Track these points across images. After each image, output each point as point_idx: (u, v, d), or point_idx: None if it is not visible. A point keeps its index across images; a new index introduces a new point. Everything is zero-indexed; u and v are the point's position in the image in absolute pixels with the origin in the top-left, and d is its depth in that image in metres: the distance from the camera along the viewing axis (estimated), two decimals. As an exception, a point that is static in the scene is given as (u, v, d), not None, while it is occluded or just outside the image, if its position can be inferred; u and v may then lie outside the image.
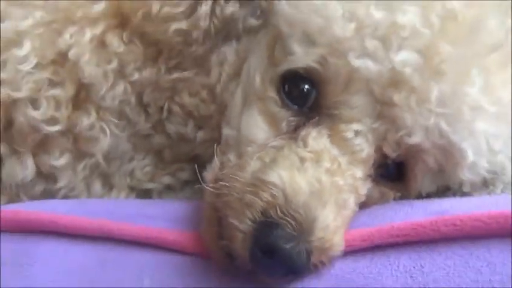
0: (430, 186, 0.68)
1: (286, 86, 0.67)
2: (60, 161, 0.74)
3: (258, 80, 0.69)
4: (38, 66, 0.72)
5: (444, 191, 0.69)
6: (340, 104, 0.63)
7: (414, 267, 0.57)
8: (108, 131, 0.74)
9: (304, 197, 0.58)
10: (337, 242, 0.59)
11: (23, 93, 0.72)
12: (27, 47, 0.72)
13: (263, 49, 0.70)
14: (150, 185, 0.79)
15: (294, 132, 0.65)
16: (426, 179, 0.67)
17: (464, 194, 0.68)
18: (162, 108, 0.75)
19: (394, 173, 0.67)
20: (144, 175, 0.78)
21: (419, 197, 0.68)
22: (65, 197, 0.76)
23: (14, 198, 0.75)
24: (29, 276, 0.62)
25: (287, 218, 0.57)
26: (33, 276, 0.62)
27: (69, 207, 0.68)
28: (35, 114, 0.72)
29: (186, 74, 0.74)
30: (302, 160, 0.61)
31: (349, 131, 0.63)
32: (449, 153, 0.64)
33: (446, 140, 0.63)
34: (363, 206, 0.65)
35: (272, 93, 0.67)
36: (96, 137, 0.74)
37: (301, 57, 0.65)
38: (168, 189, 0.79)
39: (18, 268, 0.62)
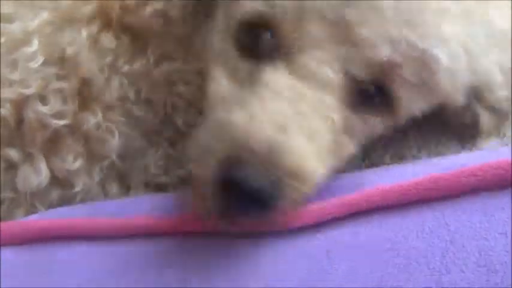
0: (418, 104, 0.66)
1: (242, 37, 0.66)
2: (74, 164, 0.74)
3: (218, 40, 0.68)
4: (45, 63, 0.73)
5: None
6: (297, 39, 0.62)
7: (440, 227, 0.56)
8: (116, 132, 0.74)
9: (266, 128, 0.57)
10: (313, 168, 0.59)
11: (32, 89, 0.72)
12: (35, 44, 0.73)
13: (220, 10, 0.69)
14: (164, 179, 0.78)
15: (253, 79, 0.64)
16: (411, 96, 0.65)
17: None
18: (165, 103, 0.75)
19: (377, 100, 0.65)
20: (158, 169, 0.78)
21: (415, 122, 0.67)
22: (82, 200, 0.75)
23: (30, 209, 0.74)
24: (54, 283, 0.61)
25: (251, 153, 0.56)
26: (57, 283, 0.61)
27: (83, 212, 0.68)
28: (44, 109, 0.72)
29: (176, 64, 0.74)
30: (262, 98, 0.60)
31: (310, 61, 0.61)
32: (422, 63, 0.62)
33: (415, 49, 0.61)
34: (351, 137, 0.64)
35: (230, 48, 0.66)
36: (104, 137, 0.74)
37: (248, 5, 0.64)
38: (183, 183, 0.79)
39: (40, 278, 0.62)
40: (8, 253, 0.63)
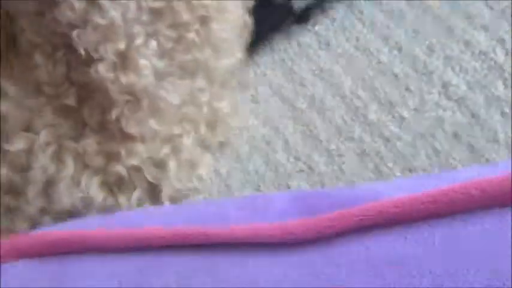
0: None
1: None
2: (17, 145, 0.72)
3: None
4: None
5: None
6: None
7: (450, 242, 0.56)
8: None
9: None
10: None
11: None
12: None
13: None
14: (118, 168, 0.74)
15: None
16: None
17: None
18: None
19: None
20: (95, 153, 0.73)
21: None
22: (42, 181, 0.73)
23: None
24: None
25: None
26: (69, 295, 0.62)
27: (95, 223, 0.68)
28: None
29: None
30: None
31: None
32: None
33: None
34: None
35: None
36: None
37: None
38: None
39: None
40: (18, 267, 0.63)
